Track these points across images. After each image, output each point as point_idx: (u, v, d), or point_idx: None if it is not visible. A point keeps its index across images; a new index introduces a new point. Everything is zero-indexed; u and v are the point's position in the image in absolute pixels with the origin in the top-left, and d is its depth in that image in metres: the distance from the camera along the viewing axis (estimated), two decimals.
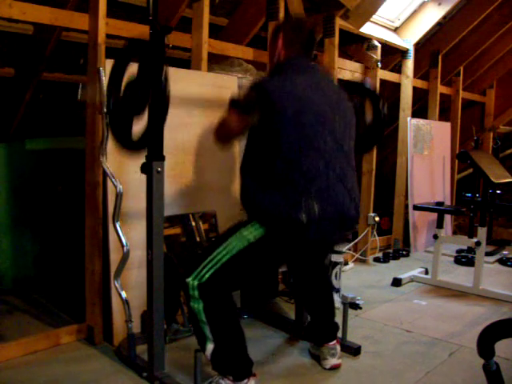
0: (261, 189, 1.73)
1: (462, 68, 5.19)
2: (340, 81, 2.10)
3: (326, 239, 1.82)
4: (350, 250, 3.97)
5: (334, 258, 2.84)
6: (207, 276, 1.74)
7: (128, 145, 1.83)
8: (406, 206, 4.51)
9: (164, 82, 1.70)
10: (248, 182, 1.79)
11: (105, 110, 2.03)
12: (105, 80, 2.16)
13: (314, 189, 1.70)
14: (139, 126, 1.81)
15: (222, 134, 1.88)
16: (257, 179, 1.76)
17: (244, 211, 1.87)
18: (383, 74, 4.28)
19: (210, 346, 1.79)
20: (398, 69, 4.64)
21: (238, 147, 2.82)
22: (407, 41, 4.36)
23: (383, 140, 5.20)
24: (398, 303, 3.07)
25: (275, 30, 1.99)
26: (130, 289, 2.29)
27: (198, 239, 2.57)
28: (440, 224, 3.47)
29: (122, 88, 1.76)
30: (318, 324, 2.22)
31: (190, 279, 1.76)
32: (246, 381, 1.81)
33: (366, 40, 4.04)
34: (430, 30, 4.40)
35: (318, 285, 2.22)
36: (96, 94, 2.20)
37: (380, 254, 4.20)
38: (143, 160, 1.89)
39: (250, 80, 1.83)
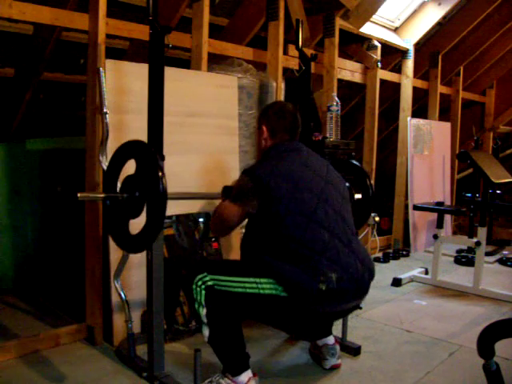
0: (277, 263, 1.75)
1: (462, 68, 5.20)
2: (328, 159, 2.34)
3: (343, 306, 1.85)
4: None
5: None
6: (223, 289, 1.76)
7: (128, 247, 1.88)
8: (406, 206, 4.51)
9: (161, 180, 1.68)
10: (262, 257, 1.79)
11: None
12: (104, 82, 2.16)
13: (326, 260, 1.74)
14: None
15: (221, 226, 1.92)
16: (270, 256, 1.77)
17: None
18: (383, 74, 4.28)
19: (205, 331, 1.81)
20: (397, 69, 4.65)
21: (238, 140, 2.82)
22: (407, 41, 4.37)
23: (383, 140, 5.19)
24: (398, 303, 3.07)
25: (259, 119, 2.08)
26: (130, 289, 2.29)
27: (197, 239, 2.57)
28: (440, 224, 3.47)
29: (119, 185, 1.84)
30: None
31: (208, 274, 1.78)
32: (245, 379, 1.82)
33: (365, 40, 4.05)
34: (430, 30, 4.40)
35: None
36: (96, 95, 2.20)
37: (380, 254, 4.20)
38: None
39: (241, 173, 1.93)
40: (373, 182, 4.11)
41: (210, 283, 1.77)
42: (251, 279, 1.75)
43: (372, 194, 2.49)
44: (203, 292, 1.77)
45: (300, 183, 1.82)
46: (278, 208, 1.76)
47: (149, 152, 1.79)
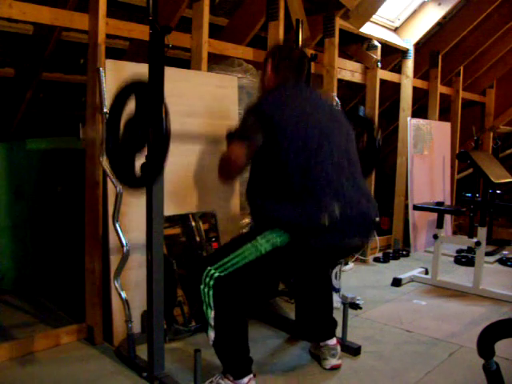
0: (278, 205, 1.74)
1: (462, 68, 5.20)
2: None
3: (348, 241, 1.82)
4: None
5: None
6: (230, 270, 1.75)
7: (130, 183, 1.84)
8: (406, 206, 4.51)
9: (164, 119, 1.64)
10: (262, 202, 1.79)
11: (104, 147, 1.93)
12: (104, 82, 2.16)
13: (330, 193, 1.72)
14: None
15: (228, 170, 1.83)
16: (272, 197, 1.76)
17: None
18: (383, 74, 4.28)
19: (211, 334, 1.80)
20: (397, 69, 4.65)
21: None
22: (407, 41, 4.37)
23: (383, 140, 5.19)
24: (398, 303, 3.06)
25: (265, 57, 2.03)
26: (130, 289, 2.29)
27: (197, 239, 2.57)
28: (440, 224, 3.47)
29: (122, 126, 1.77)
30: (317, 321, 2.21)
31: (211, 267, 1.77)
32: (245, 380, 1.82)
33: (365, 40, 4.05)
34: (430, 30, 4.40)
35: (319, 282, 2.21)
36: (96, 95, 2.20)
37: (380, 254, 4.19)
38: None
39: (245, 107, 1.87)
40: (373, 182, 4.12)
41: (216, 274, 1.75)
42: (248, 245, 1.74)
43: (378, 146, 2.39)
44: (211, 292, 1.75)
45: (304, 117, 1.78)
46: (281, 140, 1.72)
47: (150, 88, 1.74)
